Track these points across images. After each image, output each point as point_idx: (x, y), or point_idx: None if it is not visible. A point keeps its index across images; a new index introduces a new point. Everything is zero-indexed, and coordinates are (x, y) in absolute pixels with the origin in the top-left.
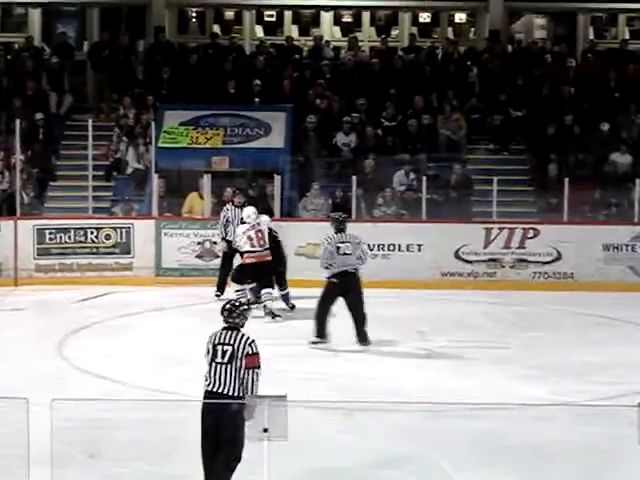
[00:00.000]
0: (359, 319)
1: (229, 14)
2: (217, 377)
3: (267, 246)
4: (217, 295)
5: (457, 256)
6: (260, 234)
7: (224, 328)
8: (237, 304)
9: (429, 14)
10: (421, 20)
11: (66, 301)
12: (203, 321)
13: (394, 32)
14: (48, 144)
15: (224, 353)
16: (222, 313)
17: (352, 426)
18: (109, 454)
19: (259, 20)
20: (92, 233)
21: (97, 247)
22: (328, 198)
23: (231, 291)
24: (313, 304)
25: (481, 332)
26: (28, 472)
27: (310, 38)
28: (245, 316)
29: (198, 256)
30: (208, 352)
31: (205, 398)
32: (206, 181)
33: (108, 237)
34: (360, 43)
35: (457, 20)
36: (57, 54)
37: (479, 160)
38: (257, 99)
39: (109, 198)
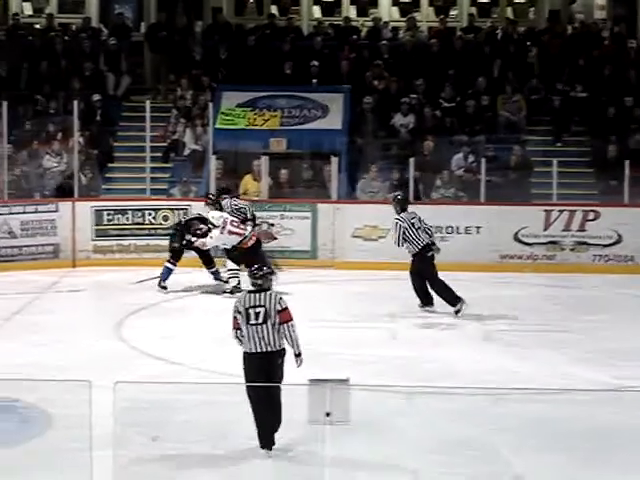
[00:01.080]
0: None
1: None
2: (256, 338)
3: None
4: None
5: (516, 238)
6: (235, 222)
7: (250, 291)
8: (265, 268)
9: None
10: (480, 0)
11: (124, 282)
12: None
13: (453, 12)
14: (106, 125)
15: (257, 315)
16: (251, 277)
17: (411, 409)
18: (169, 436)
19: (317, 1)
20: (150, 214)
21: (155, 228)
22: (386, 180)
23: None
24: (367, 287)
25: (540, 315)
26: (91, 454)
27: (368, 19)
28: (272, 279)
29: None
30: (240, 313)
31: (247, 360)
32: (264, 162)
33: (166, 218)
34: (418, 23)
35: (516, 0)
36: (114, 35)
37: (539, 141)
38: (315, 80)
39: (167, 180)
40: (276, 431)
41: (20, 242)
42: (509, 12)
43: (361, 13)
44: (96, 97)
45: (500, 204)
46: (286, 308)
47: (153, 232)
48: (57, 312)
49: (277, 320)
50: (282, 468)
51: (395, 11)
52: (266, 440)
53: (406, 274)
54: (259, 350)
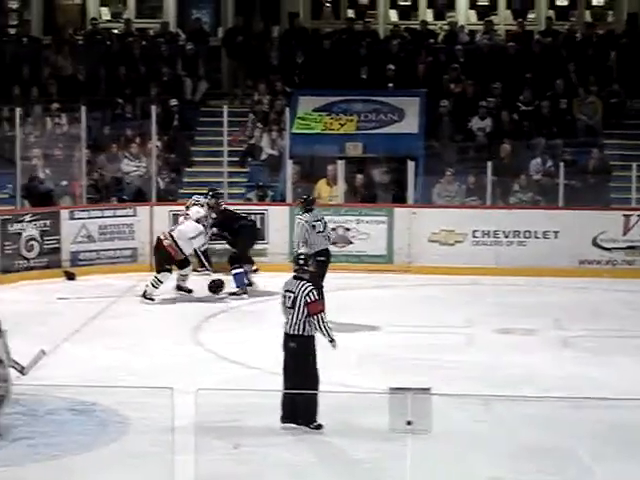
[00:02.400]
0: None
1: None
2: (288, 320)
3: None
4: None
5: (595, 243)
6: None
7: (293, 277)
8: (303, 256)
9: None
10: (558, 3)
11: (201, 286)
12: (336, 307)
13: (531, 15)
14: (183, 130)
15: (289, 299)
16: (294, 263)
17: (489, 415)
18: (247, 440)
19: (393, 4)
20: None
21: None
22: (462, 184)
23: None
24: (443, 291)
25: (619, 321)
26: (172, 457)
27: (445, 22)
28: (312, 266)
29: (331, 242)
30: (282, 296)
31: (284, 338)
32: (339, 167)
33: None
34: (496, 27)
35: (595, 3)
36: (192, 40)
37: (618, 145)
38: (391, 84)
39: (244, 184)
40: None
41: (98, 246)
42: (587, 15)
43: (438, 17)
44: (174, 102)
45: (578, 208)
46: (315, 300)
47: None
48: (134, 316)
49: (304, 309)
50: (363, 475)
51: (472, 14)
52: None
53: (484, 279)
54: (287, 331)
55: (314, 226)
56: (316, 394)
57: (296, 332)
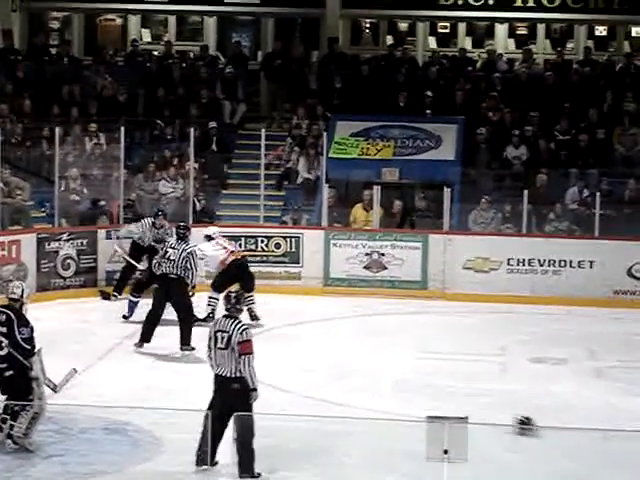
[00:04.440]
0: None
1: (403, 25)
2: (220, 361)
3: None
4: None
5: (630, 274)
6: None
7: (224, 316)
8: (240, 295)
9: (605, 27)
10: (597, 33)
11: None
12: (370, 332)
13: (569, 45)
14: (221, 152)
15: (222, 339)
16: (226, 302)
17: (521, 445)
18: (279, 464)
19: (432, 31)
20: (262, 242)
21: (267, 255)
22: (498, 212)
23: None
24: (477, 319)
25: None
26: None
27: (484, 50)
28: (242, 307)
29: (366, 267)
30: (210, 338)
31: (214, 380)
32: (375, 192)
33: (278, 246)
34: (534, 55)
35: (634, 34)
36: (231, 63)
37: None
38: (428, 111)
39: (280, 207)
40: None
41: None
42: (626, 46)
43: (477, 44)
44: (212, 124)
45: (614, 239)
46: (247, 340)
47: (265, 259)
48: (169, 336)
49: (237, 350)
50: None
51: (511, 43)
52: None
53: (518, 307)
54: (218, 372)
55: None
56: (252, 443)
57: (238, 374)
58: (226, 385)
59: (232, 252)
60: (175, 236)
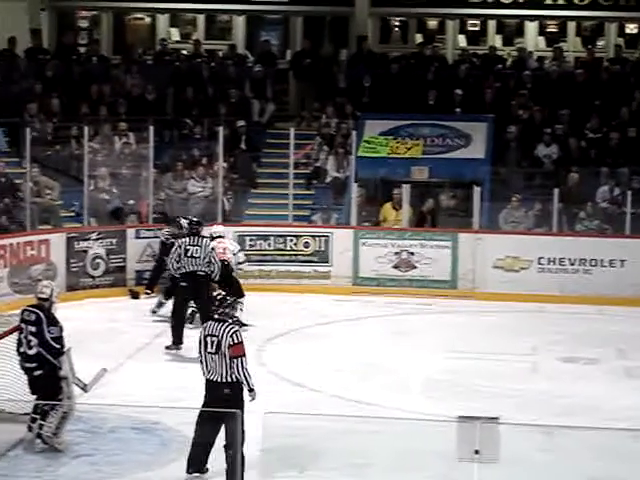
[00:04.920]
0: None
1: (432, 23)
2: (210, 366)
3: None
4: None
5: None
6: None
7: (214, 319)
8: (227, 297)
9: (636, 25)
10: (628, 31)
11: (265, 308)
12: (399, 332)
13: (600, 43)
14: (250, 151)
15: (212, 344)
16: (216, 306)
17: (553, 445)
18: (308, 463)
19: (462, 30)
20: (291, 241)
21: (296, 255)
22: (528, 211)
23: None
24: (507, 318)
25: None
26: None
27: (514, 48)
28: (234, 308)
29: (395, 266)
30: (200, 343)
31: (205, 385)
32: (405, 191)
33: (307, 245)
34: (565, 53)
35: None
36: (260, 62)
37: None
38: (458, 109)
39: (308, 206)
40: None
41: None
42: None
43: (506, 42)
44: (241, 123)
45: None
46: (239, 343)
47: (294, 258)
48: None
49: (228, 354)
50: None
51: (541, 41)
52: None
53: (549, 306)
54: (209, 378)
55: (187, 250)
56: (241, 450)
57: (229, 379)
58: (217, 391)
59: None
60: (189, 233)
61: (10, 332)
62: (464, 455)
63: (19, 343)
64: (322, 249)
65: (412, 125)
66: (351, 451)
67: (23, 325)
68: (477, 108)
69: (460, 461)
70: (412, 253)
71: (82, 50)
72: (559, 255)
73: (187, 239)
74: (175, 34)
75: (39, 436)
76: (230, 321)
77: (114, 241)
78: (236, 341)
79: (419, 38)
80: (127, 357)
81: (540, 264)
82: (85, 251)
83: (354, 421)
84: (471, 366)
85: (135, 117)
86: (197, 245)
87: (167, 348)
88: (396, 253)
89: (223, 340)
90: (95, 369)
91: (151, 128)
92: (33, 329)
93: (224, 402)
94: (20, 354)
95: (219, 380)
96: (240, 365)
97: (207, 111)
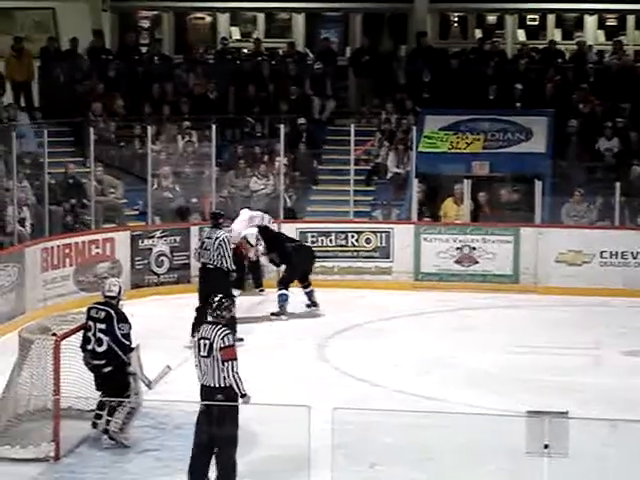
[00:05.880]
0: None
1: (491, 18)
2: (203, 370)
3: None
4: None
5: None
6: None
7: (207, 322)
8: (223, 300)
9: None
10: None
11: (327, 304)
12: (461, 327)
13: None
14: (311, 148)
15: (204, 347)
16: (209, 308)
17: (618, 439)
18: (375, 459)
19: (521, 24)
20: (353, 237)
21: (357, 251)
22: (590, 204)
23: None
24: (570, 313)
25: None
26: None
27: (573, 42)
28: (229, 310)
29: (457, 261)
30: (194, 347)
31: (200, 390)
32: (466, 186)
33: (368, 241)
34: (625, 47)
35: None
36: (320, 59)
37: None
38: (518, 103)
39: (369, 202)
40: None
41: None
42: None
43: (566, 36)
44: (301, 120)
45: None
46: (230, 346)
47: (355, 254)
48: (260, 332)
49: (219, 357)
50: None
51: (601, 34)
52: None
53: (611, 300)
54: (203, 383)
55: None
56: (233, 456)
57: (222, 384)
58: (211, 396)
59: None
60: (210, 224)
61: (77, 330)
62: (533, 449)
63: (86, 340)
64: (383, 245)
65: (472, 120)
66: (419, 446)
67: (91, 323)
68: (537, 102)
69: (529, 455)
70: (474, 248)
71: (144, 50)
72: (621, 249)
73: (206, 231)
74: (236, 33)
75: (106, 432)
76: (223, 324)
77: (178, 239)
78: (227, 344)
79: (478, 33)
80: (191, 354)
81: (602, 258)
82: (149, 249)
83: (420, 416)
84: (534, 361)
85: (197, 116)
86: (210, 238)
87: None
88: (458, 248)
89: (215, 343)
90: (160, 366)
91: (213, 127)
92: (103, 326)
93: (217, 409)
94: (87, 351)
95: (212, 385)
96: (230, 369)
97: (268, 109)
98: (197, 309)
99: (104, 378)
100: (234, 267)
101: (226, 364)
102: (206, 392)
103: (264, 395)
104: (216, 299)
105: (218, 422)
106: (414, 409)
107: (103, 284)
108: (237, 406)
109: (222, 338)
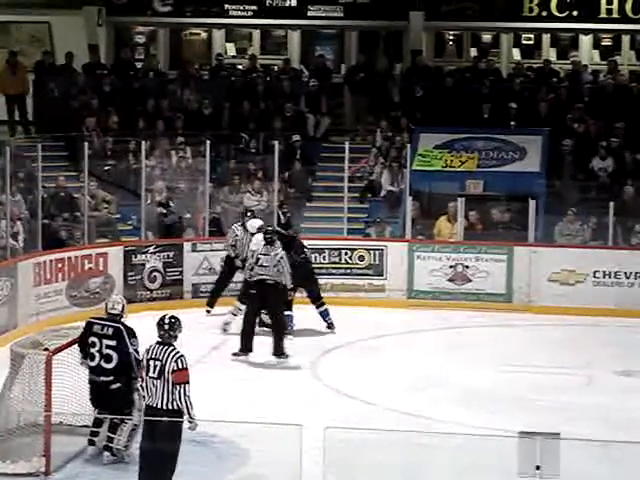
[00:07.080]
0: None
1: (486, 37)
2: (151, 391)
3: None
4: (208, 311)
5: None
6: None
7: (157, 342)
8: (175, 319)
9: None
10: None
11: (319, 320)
12: (454, 345)
13: None
14: (305, 165)
15: (155, 368)
16: (158, 327)
17: (611, 459)
18: (361, 477)
19: (517, 43)
20: (346, 254)
21: (351, 268)
22: (584, 224)
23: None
24: (563, 332)
25: None
26: None
27: (568, 61)
28: (178, 331)
29: (450, 279)
30: (143, 366)
31: (145, 411)
32: (460, 204)
33: (362, 258)
34: (619, 67)
35: None
36: (315, 76)
37: None
38: (513, 122)
39: (363, 219)
40: None
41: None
42: None
43: (561, 56)
44: (296, 137)
45: None
46: (183, 369)
47: (349, 272)
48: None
49: (171, 379)
50: None
51: (596, 54)
52: None
53: (604, 320)
54: (149, 403)
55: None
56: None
57: (169, 406)
58: (154, 416)
59: None
60: (263, 241)
61: (69, 345)
62: (525, 470)
63: (89, 357)
64: (377, 262)
65: (467, 138)
66: (411, 465)
67: (95, 339)
68: (532, 121)
69: (520, 476)
70: (467, 266)
71: (139, 65)
72: (615, 268)
73: (261, 248)
74: (231, 49)
75: (108, 449)
76: (175, 345)
77: (171, 254)
78: (181, 367)
79: (473, 52)
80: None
81: (596, 277)
82: (142, 264)
83: (412, 435)
84: (526, 380)
85: (191, 131)
86: (267, 254)
87: (234, 355)
88: (451, 266)
89: (167, 365)
90: None
91: (207, 142)
92: (112, 343)
93: (160, 432)
94: (92, 368)
95: (159, 406)
96: (183, 392)
97: (263, 125)
98: (249, 320)
99: (109, 395)
100: (292, 285)
101: (178, 387)
102: (151, 414)
103: (256, 412)
104: (166, 319)
105: (160, 441)
106: (406, 428)
107: (107, 301)
108: (181, 429)
109: (175, 360)
